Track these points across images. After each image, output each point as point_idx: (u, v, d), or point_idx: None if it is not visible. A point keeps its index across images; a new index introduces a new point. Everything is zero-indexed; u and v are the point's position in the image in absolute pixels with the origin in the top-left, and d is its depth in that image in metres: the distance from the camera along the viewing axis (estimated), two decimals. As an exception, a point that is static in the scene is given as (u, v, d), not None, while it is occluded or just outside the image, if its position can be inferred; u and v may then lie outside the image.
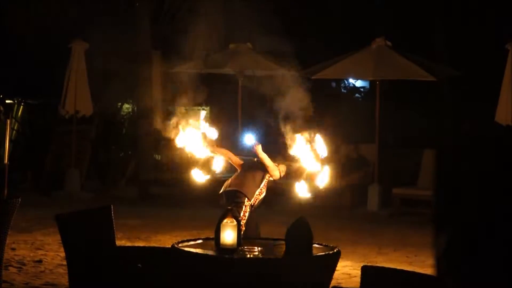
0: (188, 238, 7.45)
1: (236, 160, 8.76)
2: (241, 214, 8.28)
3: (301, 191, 8.16)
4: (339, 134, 17.23)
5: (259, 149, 8.52)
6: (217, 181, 9.17)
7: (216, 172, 9.00)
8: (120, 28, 16.08)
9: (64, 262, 6.55)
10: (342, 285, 8.71)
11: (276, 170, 8.48)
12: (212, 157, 8.81)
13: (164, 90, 17.81)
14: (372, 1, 18.00)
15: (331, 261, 6.06)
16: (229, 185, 8.54)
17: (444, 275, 2.59)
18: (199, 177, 8.81)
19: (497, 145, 2.76)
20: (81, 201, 15.12)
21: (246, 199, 8.35)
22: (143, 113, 17.92)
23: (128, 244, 10.77)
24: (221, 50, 15.97)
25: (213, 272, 5.93)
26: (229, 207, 6.61)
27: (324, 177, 8.01)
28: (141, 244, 11.00)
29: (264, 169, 8.50)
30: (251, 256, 6.00)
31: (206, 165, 8.99)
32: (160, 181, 16.79)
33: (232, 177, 8.66)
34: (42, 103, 19.26)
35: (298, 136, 8.08)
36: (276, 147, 8.93)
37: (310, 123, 8.39)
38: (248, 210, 8.39)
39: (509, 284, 2.53)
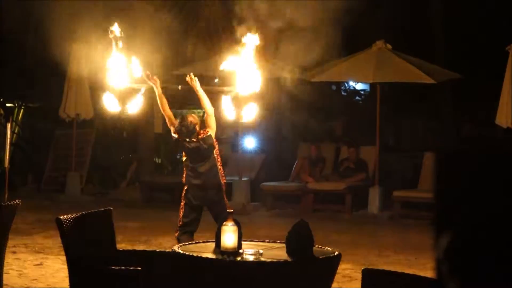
0: (189, 241, 7.45)
1: (171, 117, 8.37)
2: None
3: (227, 107, 7.89)
4: (340, 136, 17.31)
5: (197, 84, 8.19)
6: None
7: (127, 111, 8.17)
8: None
9: (65, 266, 6.54)
10: (344, 287, 8.71)
11: (210, 106, 8.15)
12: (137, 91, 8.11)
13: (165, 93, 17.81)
14: (372, 4, 17.97)
15: (332, 264, 6.05)
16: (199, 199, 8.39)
17: (445, 278, 2.58)
18: (111, 103, 7.99)
19: (497, 147, 2.75)
20: (82, 204, 15.11)
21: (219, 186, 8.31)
22: (144, 116, 17.94)
23: (129, 247, 10.76)
24: (221, 53, 15.99)
25: (213, 275, 5.93)
26: (230, 210, 6.60)
27: (250, 110, 7.80)
28: (141, 247, 11.00)
29: (212, 149, 8.31)
30: (252, 259, 5.99)
31: (125, 98, 8.14)
32: (160, 184, 16.79)
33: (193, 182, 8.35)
34: (42, 107, 19.28)
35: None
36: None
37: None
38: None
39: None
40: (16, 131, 18.80)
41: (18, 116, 19.25)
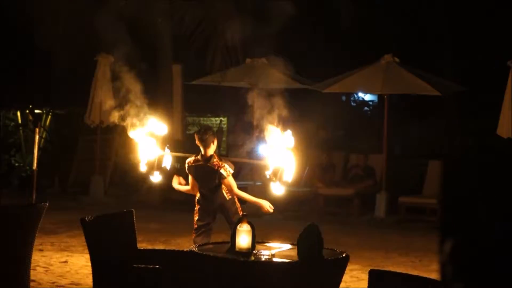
0: (205, 242, 7.47)
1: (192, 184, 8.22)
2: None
3: (277, 189, 7.70)
4: (349, 144, 17.29)
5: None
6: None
7: (166, 168, 8.40)
8: (142, 43, 16.15)
9: (89, 263, 6.57)
10: (351, 287, 8.71)
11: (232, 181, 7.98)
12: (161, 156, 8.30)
13: (184, 102, 17.86)
14: (382, 18, 17.96)
15: (341, 265, 6.06)
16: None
17: (450, 280, 2.59)
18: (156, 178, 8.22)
19: (499, 156, 2.77)
20: (105, 205, 15.14)
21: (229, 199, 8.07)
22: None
23: (149, 247, 10.79)
24: (238, 65, 16.03)
25: (228, 274, 5.94)
26: (244, 213, 6.61)
27: (290, 170, 7.50)
28: (161, 247, 11.03)
29: (219, 177, 7.93)
30: (265, 259, 6.01)
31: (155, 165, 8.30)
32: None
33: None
34: (69, 113, 19.35)
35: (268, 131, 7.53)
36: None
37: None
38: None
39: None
40: (43, 136, 18.87)
41: (46, 122, 19.32)
